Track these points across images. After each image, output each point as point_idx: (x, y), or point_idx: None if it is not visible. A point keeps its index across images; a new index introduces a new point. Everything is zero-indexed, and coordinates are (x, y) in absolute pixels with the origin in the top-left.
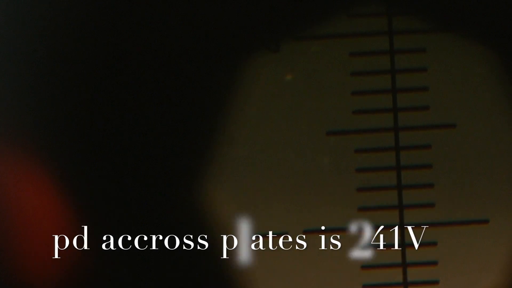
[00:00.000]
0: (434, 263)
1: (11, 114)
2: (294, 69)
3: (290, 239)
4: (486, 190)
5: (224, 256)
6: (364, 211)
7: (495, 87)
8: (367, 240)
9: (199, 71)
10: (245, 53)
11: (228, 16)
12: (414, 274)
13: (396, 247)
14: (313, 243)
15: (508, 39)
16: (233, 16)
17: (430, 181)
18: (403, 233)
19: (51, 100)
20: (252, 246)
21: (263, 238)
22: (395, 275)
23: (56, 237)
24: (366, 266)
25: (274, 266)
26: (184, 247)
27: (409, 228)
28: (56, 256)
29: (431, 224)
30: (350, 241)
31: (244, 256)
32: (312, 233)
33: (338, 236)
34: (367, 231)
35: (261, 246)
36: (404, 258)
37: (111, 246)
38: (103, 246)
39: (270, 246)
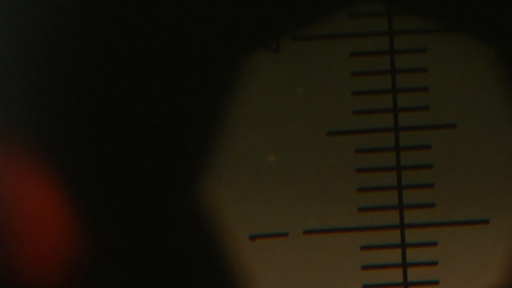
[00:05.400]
0: (434, 263)
1: (11, 113)
2: (294, 69)
3: (290, 238)
4: (486, 190)
5: (224, 256)
6: (364, 211)
7: (495, 87)
8: (367, 240)
9: (198, 70)
10: (244, 53)
11: (228, 15)
12: (414, 274)
13: (396, 247)
14: (313, 243)
15: (509, 39)
16: (232, 16)
17: (430, 181)
18: (403, 233)
19: (50, 100)
20: (252, 246)
21: (262, 237)
22: (395, 275)
23: (56, 237)
24: (366, 266)
25: (274, 266)
26: (183, 247)
27: (409, 228)
28: (56, 256)
29: (431, 224)
30: (350, 241)
31: (244, 256)
32: (312, 233)
33: (338, 236)
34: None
35: (260, 246)
36: (404, 258)
37: (111, 246)
38: (103, 246)
39: (270, 246)
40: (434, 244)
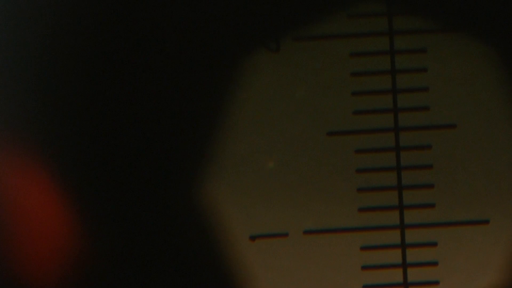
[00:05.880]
0: (434, 263)
1: (11, 113)
2: (294, 69)
3: (290, 239)
4: (486, 190)
5: (224, 256)
6: (364, 211)
7: (495, 87)
8: (367, 240)
9: (199, 71)
10: (245, 53)
11: (228, 15)
12: (414, 274)
13: (396, 247)
14: (313, 243)
15: (509, 39)
16: (233, 16)
17: (431, 181)
18: (403, 234)
19: (50, 100)
20: (252, 246)
21: (263, 238)
22: (396, 276)
23: (56, 238)
24: (366, 266)
25: (274, 267)
26: (184, 247)
27: (409, 228)
28: (56, 256)
29: (431, 225)
30: (350, 241)
31: (244, 257)
32: (312, 233)
33: (338, 236)
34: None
35: (260, 246)
36: (404, 259)
37: (111, 246)
38: (103, 246)
39: (270, 246)
40: (434, 244)
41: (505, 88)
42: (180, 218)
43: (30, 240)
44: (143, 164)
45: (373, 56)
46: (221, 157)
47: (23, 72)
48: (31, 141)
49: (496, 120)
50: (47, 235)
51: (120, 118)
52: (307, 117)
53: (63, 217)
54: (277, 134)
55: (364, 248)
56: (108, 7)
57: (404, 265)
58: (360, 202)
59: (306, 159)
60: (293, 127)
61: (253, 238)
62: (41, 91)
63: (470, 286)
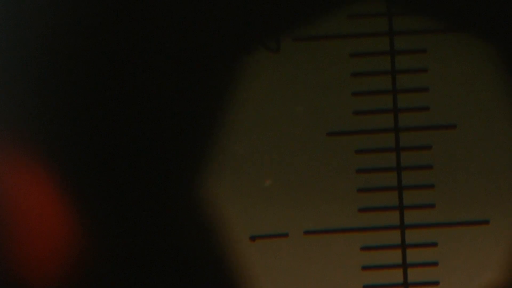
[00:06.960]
0: (434, 263)
1: (11, 113)
2: (294, 69)
3: (290, 239)
4: (486, 190)
5: (224, 256)
6: (365, 211)
7: (495, 87)
8: (367, 240)
9: (199, 70)
10: (245, 53)
11: (228, 15)
12: (414, 274)
13: (397, 247)
14: (313, 243)
15: (509, 39)
16: (233, 16)
17: (431, 181)
18: (403, 234)
19: (51, 100)
20: (252, 247)
21: (263, 238)
22: (396, 276)
23: (57, 237)
24: (366, 266)
25: (274, 267)
26: (184, 247)
27: (410, 229)
28: (56, 256)
29: (431, 225)
30: (350, 241)
31: (244, 257)
32: (312, 233)
33: (338, 236)
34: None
35: (261, 246)
36: (404, 259)
37: (111, 245)
38: (103, 246)
39: (270, 246)
40: (434, 244)
41: (505, 88)
42: (180, 218)
43: (30, 240)
44: (143, 164)
45: (373, 56)
46: (222, 157)
47: (23, 72)
48: (31, 141)
49: (496, 120)
50: (47, 235)
51: (120, 118)
52: (307, 117)
53: (63, 217)
54: (277, 134)
55: (364, 248)
56: (108, 7)
57: (404, 265)
58: (360, 202)
59: (306, 159)
60: (293, 127)
61: (253, 238)
62: (41, 91)
63: (470, 286)
